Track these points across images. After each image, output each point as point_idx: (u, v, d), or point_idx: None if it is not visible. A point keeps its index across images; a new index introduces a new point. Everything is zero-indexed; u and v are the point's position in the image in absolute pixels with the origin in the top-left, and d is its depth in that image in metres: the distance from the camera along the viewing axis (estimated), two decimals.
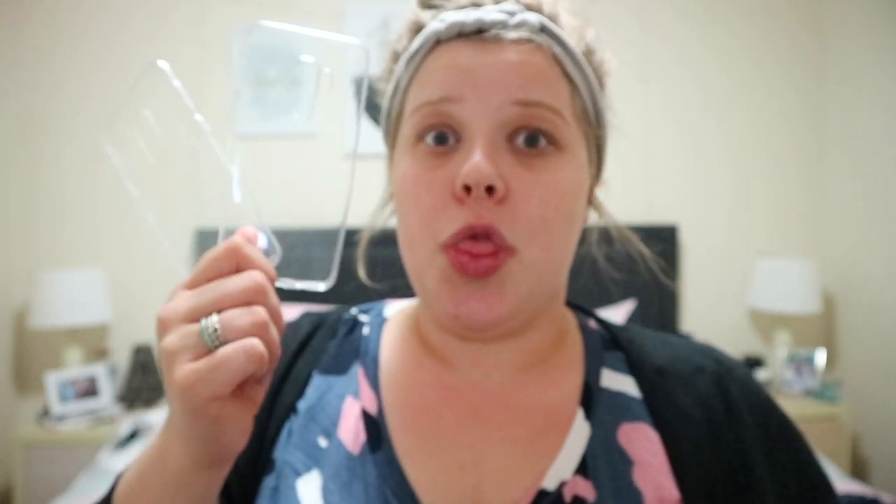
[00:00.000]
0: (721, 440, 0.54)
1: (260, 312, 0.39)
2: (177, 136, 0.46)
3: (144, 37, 2.52)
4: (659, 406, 0.55)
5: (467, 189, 0.47)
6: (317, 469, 0.53)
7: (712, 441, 0.53)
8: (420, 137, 0.51)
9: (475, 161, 0.47)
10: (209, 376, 0.38)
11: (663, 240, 2.54)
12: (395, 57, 0.57)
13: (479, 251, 0.48)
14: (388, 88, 0.57)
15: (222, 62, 2.53)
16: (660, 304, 2.49)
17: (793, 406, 2.28)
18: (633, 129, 2.95)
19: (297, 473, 0.53)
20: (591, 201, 0.60)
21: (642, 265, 0.65)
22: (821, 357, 2.39)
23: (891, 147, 2.26)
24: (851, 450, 2.36)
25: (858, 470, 2.36)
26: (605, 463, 0.52)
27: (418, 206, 0.50)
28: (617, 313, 2.31)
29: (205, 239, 2.47)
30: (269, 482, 0.54)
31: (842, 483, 1.68)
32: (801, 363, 2.41)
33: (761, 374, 2.40)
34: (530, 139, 0.50)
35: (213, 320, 0.39)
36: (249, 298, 0.39)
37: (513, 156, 0.50)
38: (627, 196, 2.58)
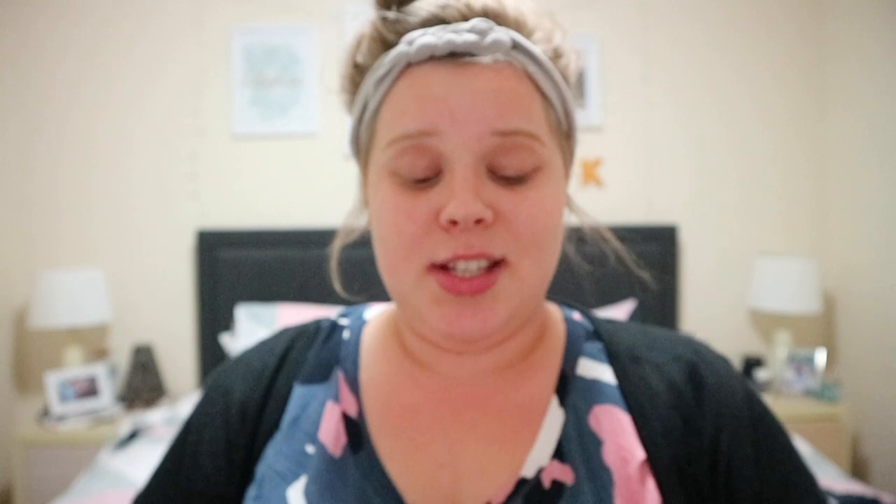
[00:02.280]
0: (691, 424, 0.54)
1: None
2: None
3: (143, 37, 2.52)
4: (631, 389, 0.56)
5: (454, 222, 0.48)
6: (305, 474, 0.55)
7: (682, 423, 0.54)
8: (397, 171, 0.51)
9: (461, 198, 0.47)
10: None
11: (663, 240, 2.54)
12: (356, 67, 0.55)
13: (471, 275, 0.49)
14: (356, 106, 0.55)
15: (222, 62, 2.53)
16: (660, 305, 2.50)
17: (793, 406, 2.28)
18: (634, 130, 2.97)
19: (287, 482, 0.54)
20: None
21: (614, 262, 0.65)
22: (821, 357, 2.39)
23: (891, 147, 2.26)
24: (851, 450, 2.36)
25: (858, 470, 2.37)
26: (578, 446, 0.53)
27: (400, 233, 0.50)
28: (617, 313, 2.31)
29: (206, 238, 2.47)
30: (250, 493, 0.56)
31: (842, 483, 1.68)
32: (801, 363, 2.41)
33: (761, 374, 2.40)
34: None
35: None
36: None
37: (495, 182, 0.50)
38: (628, 196, 2.59)
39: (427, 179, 0.50)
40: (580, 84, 2.56)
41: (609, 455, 0.53)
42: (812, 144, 2.63)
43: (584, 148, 2.98)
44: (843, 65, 2.51)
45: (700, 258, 2.61)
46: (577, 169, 2.56)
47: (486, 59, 0.49)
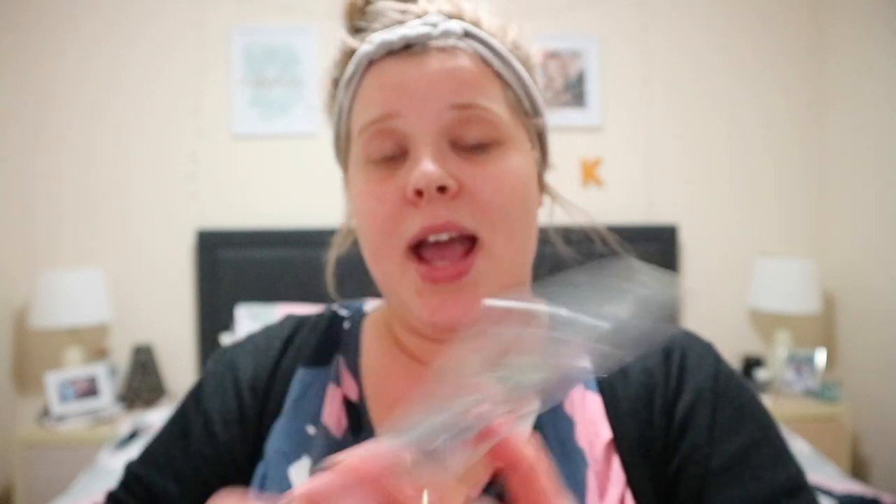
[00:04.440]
0: (658, 399, 0.54)
1: None
2: None
3: (143, 37, 2.52)
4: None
5: (419, 193, 0.50)
6: (306, 455, 0.57)
7: (650, 400, 0.54)
8: (369, 158, 0.54)
9: (423, 165, 0.49)
10: None
11: (663, 240, 2.54)
12: (334, 83, 0.60)
13: (445, 256, 0.51)
14: (334, 114, 0.60)
15: (222, 62, 2.53)
16: None
17: (793, 406, 2.28)
18: (634, 130, 2.96)
19: (288, 460, 0.56)
20: (542, 188, 0.61)
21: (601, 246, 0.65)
22: (821, 357, 2.39)
23: (890, 147, 2.26)
24: (851, 450, 2.36)
25: (858, 470, 2.36)
26: (552, 430, 0.54)
27: (375, 218, 0.53)
28: None
29: (206, 238, 2.47)
30: (259, 470, 0.58)
31: (842, 483, 1.68)
32: (801, 363, 2.41)
33: (761, 374, 2.40)
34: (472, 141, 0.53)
35: None
36: None
37: (458, 157, 0.52)
38: (628, 196, 2.59)
39: (395, 158, 0.52)
40: (580, 84, 2.57)
41: (581, 436, 0.54)
42: (811, 145, 2.63)
43: (584, 148, 2.99)
44: (843, 65, 2.51)
45: (700, 258, 2.61)
46: (577, 169, 2.56)
47: (438, 44, 0.53)
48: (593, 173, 2.57)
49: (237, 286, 2.44)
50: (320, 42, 2.53)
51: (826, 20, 2.58)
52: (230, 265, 2.45)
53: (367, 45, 0.54)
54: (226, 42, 2.53)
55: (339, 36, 0.59)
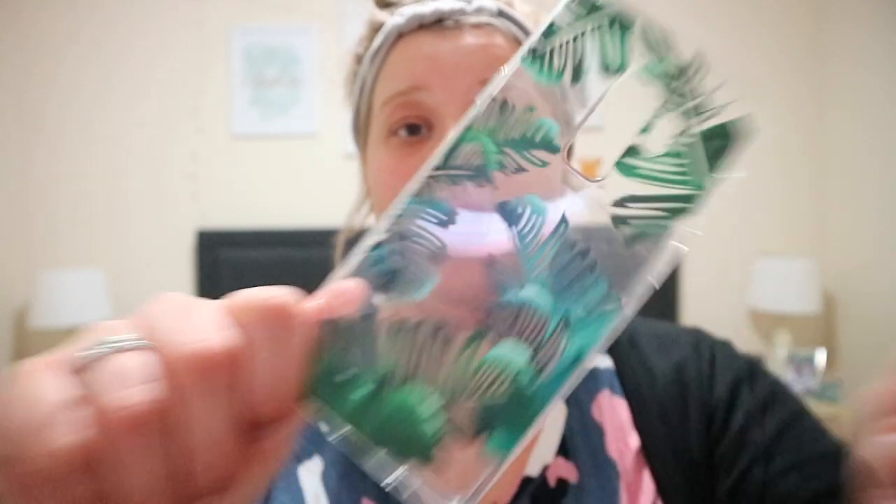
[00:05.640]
0: (699, 396, 0.54)
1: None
2: None
3: (142, 37, 2.52)
4: (628, 372, 0.56)
5: None
6: (318, 454, 0.54)
7: (682, 400, 0.54)
8: (392, 130, 0.52)
9: None
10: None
11: None
12: (358, 59, 0.58)
13: None
14: (354, 90, 0.58)
15: (222, 62, 2.53)
16: (660, 304, 2.50)
17: None
18: (633, 129, 2.95)
19: (298, 459, 0.54)
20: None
21: None
22: (821, 357, 2.39)
23: (891, 147, 2.26)
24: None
25: None
26: (582, 440, 0.53)
27: (395, 194, 0.51)
28: None
29: (206, 239, 2.47)
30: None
31: None
32: (801, 363, 2.40)
33: None
34: None
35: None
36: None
37: None
38: None
39: (419, 133, 0.51)
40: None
41: (611, 446, 0.53)
42: (812, 144, 2.63)
43: (584, 148, 2.99)
44: (843, 65, 2.51)
45: (700, 258, 2.61)
46: (576, 169, 2.56)
47: (471, 20, 0.52)
48: (593, 173, 2.57)
49: (237, 286, 2.41)
50: (320, 42, 2.53)
51: (826, 20, 2.58)
52: (230, 265, 2.45)
53: (398, 17, 0.53)
54: (226, 42, 2.53)
55: (367, 10, 0.57)
